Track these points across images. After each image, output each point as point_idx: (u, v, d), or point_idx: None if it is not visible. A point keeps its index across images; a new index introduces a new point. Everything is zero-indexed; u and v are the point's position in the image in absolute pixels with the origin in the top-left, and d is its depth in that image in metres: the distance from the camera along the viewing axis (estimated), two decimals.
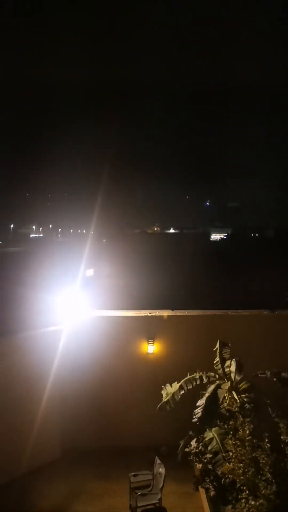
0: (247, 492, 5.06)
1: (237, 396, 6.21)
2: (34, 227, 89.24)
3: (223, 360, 6.85)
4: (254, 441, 5.33)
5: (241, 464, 5.21)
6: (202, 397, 6.25)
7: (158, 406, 6.54)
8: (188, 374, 6.78)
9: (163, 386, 6.87)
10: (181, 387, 6.58)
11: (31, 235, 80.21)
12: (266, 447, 5.18)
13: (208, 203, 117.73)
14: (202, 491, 6.42)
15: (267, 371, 6.33)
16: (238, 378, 6.45)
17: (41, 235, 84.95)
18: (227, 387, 6.31)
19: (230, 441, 5.52)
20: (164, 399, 6.58)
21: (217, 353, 6.93)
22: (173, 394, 6.53)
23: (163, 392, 6.71)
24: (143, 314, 8.20)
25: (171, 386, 6.75)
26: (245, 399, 6.12)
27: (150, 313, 8.20)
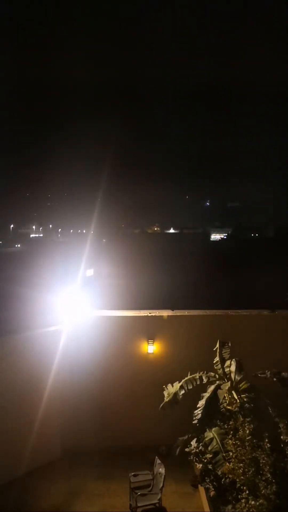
0: (247, 492, 5.06)
1: (237, 396, 6.21)
2: (34, 227, 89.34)
3: (223, 360, 6.84)
4: (254, 441, 5.33)
5: (241, 464, 5.22)
6: (202, 398, 6.25)
7: (161, 405, 6.55)
8: (189, 374, 6.77)
9: (164, 386, 6.86)
10: (181, 387, 6.57)
11: (31, 235, 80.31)
12: (266, 447, 5.18)
13: (208, 203, 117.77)
14: (202, 491, 6.43)
15: (267, 371, 6.32)
16: (238, 378, 6.44)
17: (41, 235, 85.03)
18: (227, 387, 6.30)
19: (230, 441, 5.53)
20: (166, 399, 6.58)
21: (217, 353, 6.92)
22: (175, 394, 6.52)
23: (165, 392, 6.71)
24: (143, 314, 8.19)
25: (172, 386, 6.75)
26: (245, 399, 6.12)
27: (150, 313, 8.19)
